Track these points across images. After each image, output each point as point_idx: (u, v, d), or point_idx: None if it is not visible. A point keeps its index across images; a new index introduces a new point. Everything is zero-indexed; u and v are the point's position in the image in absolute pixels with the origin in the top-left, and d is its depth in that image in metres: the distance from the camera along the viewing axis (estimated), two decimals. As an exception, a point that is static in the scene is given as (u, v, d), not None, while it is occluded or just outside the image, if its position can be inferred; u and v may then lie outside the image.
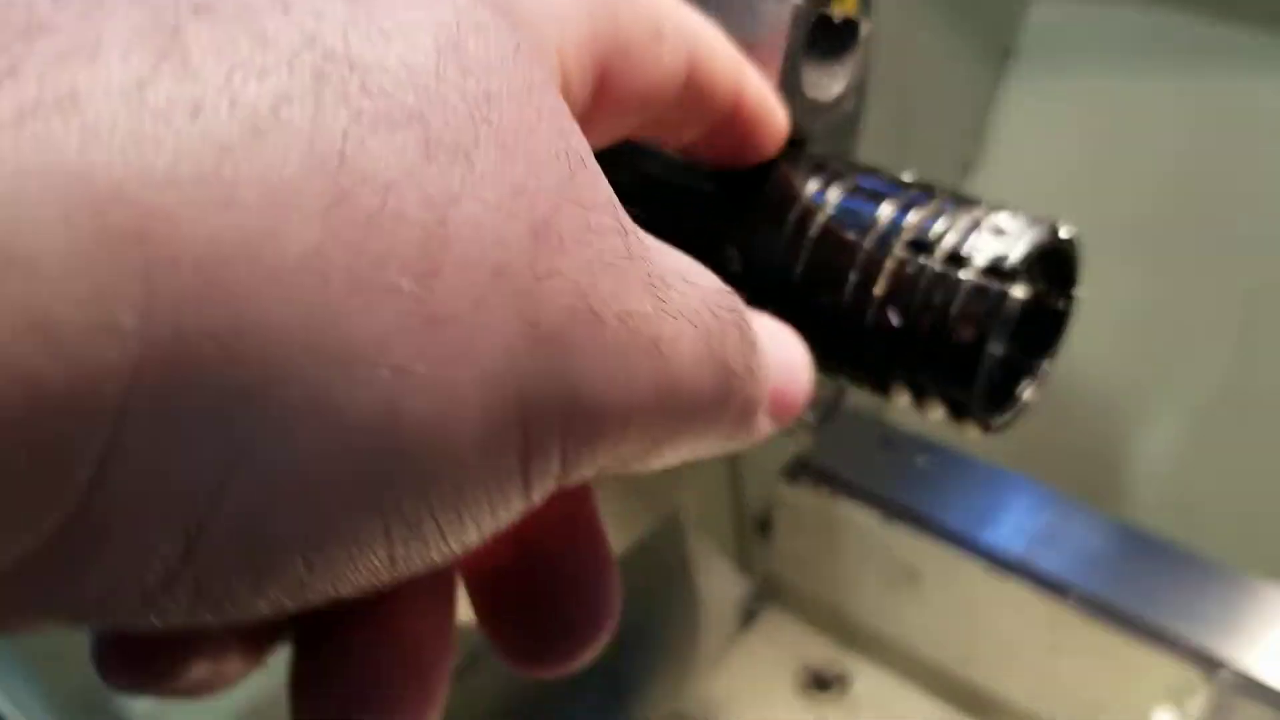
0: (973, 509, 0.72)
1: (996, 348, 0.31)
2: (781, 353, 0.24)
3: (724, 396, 0.21)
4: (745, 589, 0.86)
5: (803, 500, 0.77)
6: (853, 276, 0.29)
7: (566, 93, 0.21)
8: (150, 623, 0.15)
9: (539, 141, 0.17)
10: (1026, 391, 0.31)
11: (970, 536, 0.70)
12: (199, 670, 0.21)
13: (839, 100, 0.34)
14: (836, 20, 0.33)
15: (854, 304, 0.29)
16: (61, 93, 0.12)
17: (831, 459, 0.76)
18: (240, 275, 0.13)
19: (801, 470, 0.77)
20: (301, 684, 0.21)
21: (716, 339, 0.20)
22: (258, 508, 0.14)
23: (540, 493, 0.18)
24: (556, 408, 0.16)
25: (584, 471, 0.18)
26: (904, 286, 0.28)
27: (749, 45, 0.31)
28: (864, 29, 0.33)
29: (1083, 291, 0.31)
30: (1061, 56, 0.94)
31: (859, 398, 0.35)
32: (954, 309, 0.27)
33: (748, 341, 0.22)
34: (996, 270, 0.27)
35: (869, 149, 0.49)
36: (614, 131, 0.25)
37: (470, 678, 0.69)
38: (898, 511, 0.73)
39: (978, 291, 0.27)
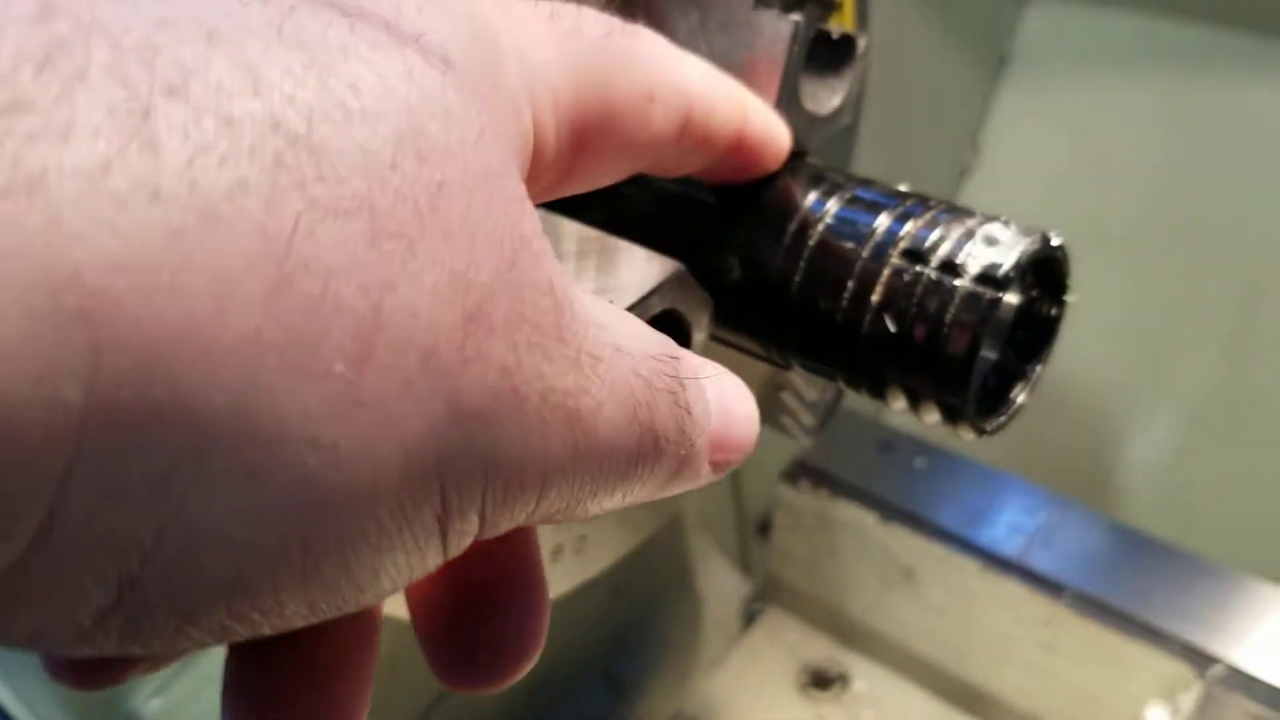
0: (969, 509, 0.73)
1: (990, 353, 0.32)
2: (724, 403, 0.25)
3: (651, 457, 0.22)
4: (746, 590, 0.86)
5: (802, 502, 0.78)
6: (850, 284, 0.30)
7: (540, 149, 0.22)
8: (82, 653, 0.16)
9: (485, 229, 0.17)
10: (1020, 395, 0.32)
11: (966, 536, 0.71)
12: (138, 668, 0.23)
13: (837, 113, 0.35)
14: (834, 36, 0.34)
15: (851, 311, 0.30)
16: (32, 174, 0.13)
17: (830, 461, 0.77)
18: (180, 355, 0.14)
19: (801, 472, 0.78)
20: (230, 687, 0.23)
21: (645, 406, 0.21)
22: (185, 563, 0.15)
23: (457, 548, 0.19)
24: (474, 475, 0.18)
25: (504, 527, 0.19)
26: (900, 294, 0.29)
27: (749, 61, 0.32)
28: (861, 44, 0.34)
29: (1073, 298, 0.32)
30: (1056, 63, 0.95)
31: (856, 400, 0.35)
32: (948, 316, 0.28)
33: (680, 407, 0.23)
34: (989, 278, 0.28)
35: (868, 155, 0.50)
36: (607, 176, 0.26)
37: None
38: (895, 512, 0.74)
39: (971, 299, 0.28)
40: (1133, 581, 0.66)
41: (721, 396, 0.25)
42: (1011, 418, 0.32)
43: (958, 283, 0.28)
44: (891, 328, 0.29)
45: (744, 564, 0.87)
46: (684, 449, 0.23)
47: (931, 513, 0.73)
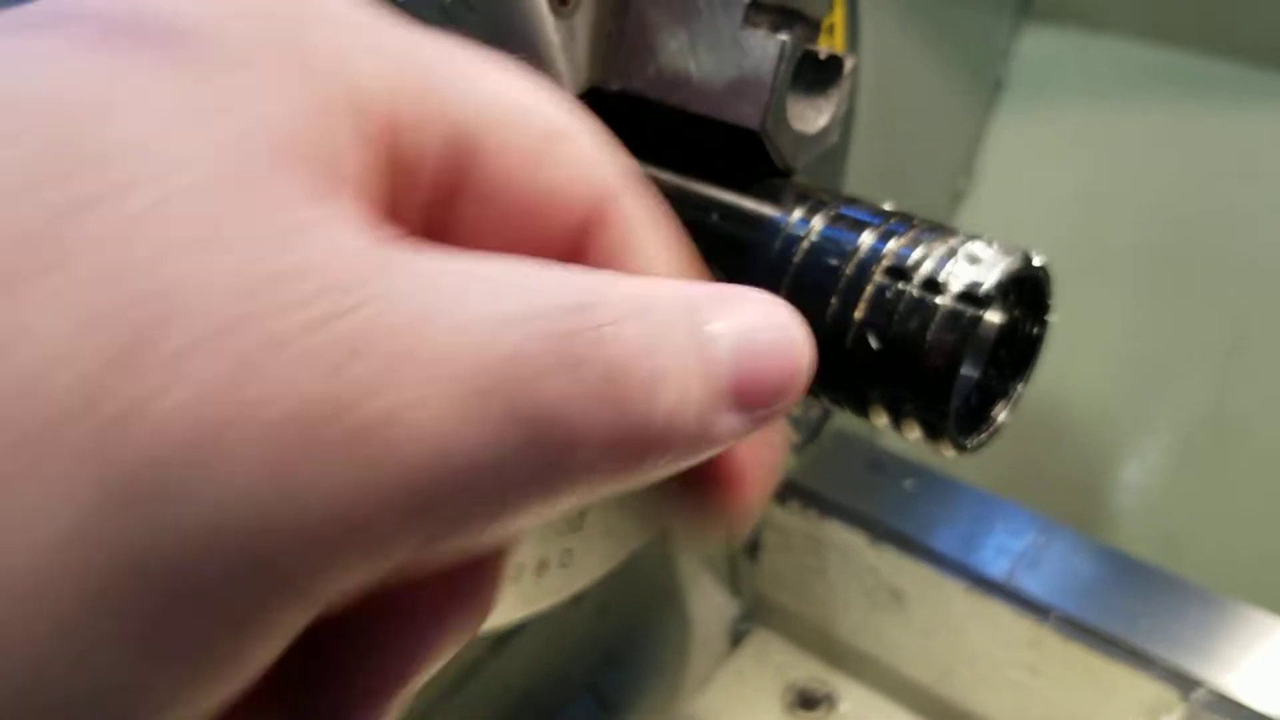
0: (958, 532, 0.73)
1: (971, 371, 0.32)
2: (744, 332, 0.19)
3: (537, 454, 0.16)
4: (734, 609, 0.86)
5: (791, 522, 0.78)
6: (834, 301, 0.30)
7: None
8: None
9: (138, 249, 0.14)
10: (1001, 413, 0.33)
11: (955, 558, 0.71)
12: None
13: (824, 132, 0.35)
14: (822, 56, 0.34)
15: (835, 327, 0.30)
16: None
17: (819, 481, 0.77)
18: None
19: (790, 492, 0.78)
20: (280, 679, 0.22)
21: (505, 389, 0.16)
22: None
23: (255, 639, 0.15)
24: (178, 554, 0.14)
25: (304, 608, 0.15)
26: (882, 311, 0.29)
27: (737, 80, 0.33)
28: (848, 64, 0.35)
29: (1055, 317, 0.32)
30: (1052, 89, 0.96)
31: (846, 421, 0.36)
32: (930, 333, 0.29)
33: (587, 374, 0.17)
34: (970, 296, 0.29)
35: (863, 179, 0.51)
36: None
37: (461, 693, 0.69)
38: (884, 533, 0.74)
39: (952, 316, 0.29)
40: (1118, 605, 0.66)
41: (739, 324, 0.19)
42: (993, 435, 0.32)
43: (939, 300, 0.29)
44: (874, 344, 0.30)
45: (732, 584, 0.87)
46: (631, 417, 0.17)
47: (920, 534, 0.73)
